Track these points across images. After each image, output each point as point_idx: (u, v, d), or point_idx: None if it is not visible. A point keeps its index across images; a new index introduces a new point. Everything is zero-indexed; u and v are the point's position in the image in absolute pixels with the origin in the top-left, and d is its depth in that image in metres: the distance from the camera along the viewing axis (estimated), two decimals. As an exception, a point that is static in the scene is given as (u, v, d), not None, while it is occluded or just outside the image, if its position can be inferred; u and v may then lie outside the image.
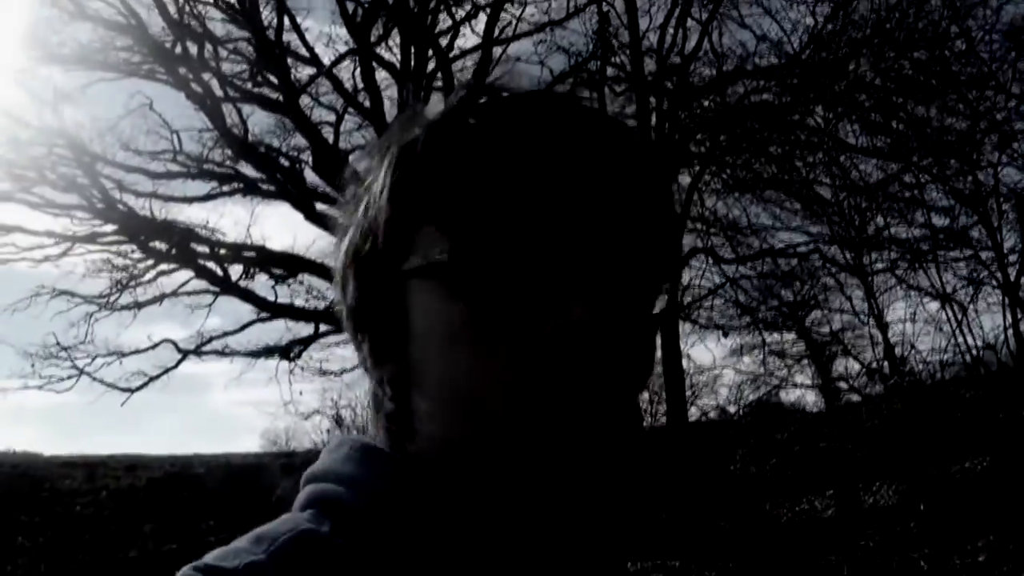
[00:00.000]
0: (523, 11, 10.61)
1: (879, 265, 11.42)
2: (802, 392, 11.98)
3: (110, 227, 10.50)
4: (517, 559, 0.50)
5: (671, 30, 10.83)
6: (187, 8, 10.27)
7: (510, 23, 10.65)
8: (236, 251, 10.08)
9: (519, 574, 0.50)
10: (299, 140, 10.30)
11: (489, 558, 0.50)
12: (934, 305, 10.13)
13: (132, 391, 10.56)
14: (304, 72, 10.60)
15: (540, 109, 0.52)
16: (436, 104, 0.55)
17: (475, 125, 0.51)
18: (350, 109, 10.25)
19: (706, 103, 11.06)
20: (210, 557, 0.49)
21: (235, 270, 10.18)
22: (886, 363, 11.17)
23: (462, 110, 0.53)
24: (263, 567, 0.47)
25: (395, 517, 0.50)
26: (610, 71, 10.93)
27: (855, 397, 11.29)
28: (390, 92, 10.11)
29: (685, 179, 10.54)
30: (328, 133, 10.13)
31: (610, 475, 0.50)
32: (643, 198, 0.52)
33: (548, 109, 0.52)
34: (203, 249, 10.09)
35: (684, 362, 10.29)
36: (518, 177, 0.49)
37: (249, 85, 10.42)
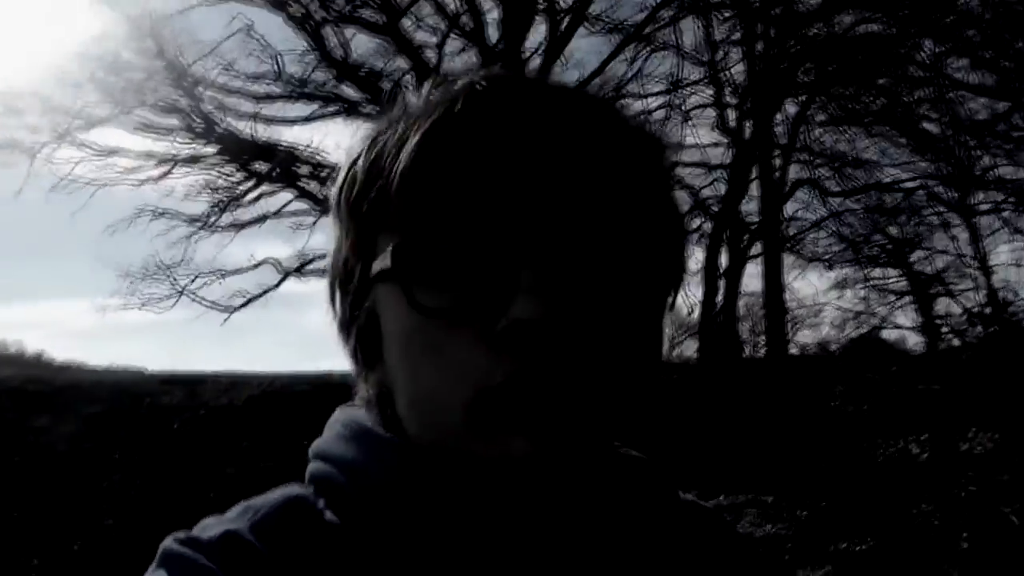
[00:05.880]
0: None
1: (985, 206, 11.09)
2: (902, 333, 11.71)
3: (211, 148, 10.61)
4: (503, 555, 0.49)
5: (779, -47, 10.48)
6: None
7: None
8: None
9: (507, 569, 0.49)
10: (402, 62, 10.25)
11: (480, 552, 0.49)
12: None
13: (233, 310, 10.76)
14: (405, -6, 10.49)
15: (486, 102, 0.50)
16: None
17: (424, 130, 0.49)
18: (453, 31, 10.15)
19: (813, 31, 10.70)
20: (197, 528, 0.49)
21: (337, 191, 10.14)
22: (988, 308, 10.87)
23: (411, 117, 0.51)
24: (240, 536, 0.47)
25: (386, 504, 0.49)
26: (716, -4, 10.61)
27: (956, 340, 11.03)
28: (493, 14, 9.99)
29: (791, 108, 10.29)
30: (431, 55, 10.07)
31: (582, 473, 0.48)
32: (615, 185, 0.49)
33: (496, 100, 0.50)
34: (305, 170, 10.16)
35: (786, 295, 10.14)
36: (456, 170, 0.47)
37: (349, 8, 10.35)
